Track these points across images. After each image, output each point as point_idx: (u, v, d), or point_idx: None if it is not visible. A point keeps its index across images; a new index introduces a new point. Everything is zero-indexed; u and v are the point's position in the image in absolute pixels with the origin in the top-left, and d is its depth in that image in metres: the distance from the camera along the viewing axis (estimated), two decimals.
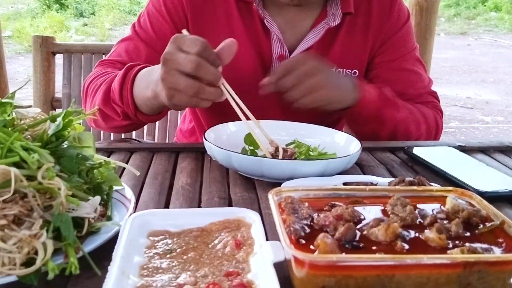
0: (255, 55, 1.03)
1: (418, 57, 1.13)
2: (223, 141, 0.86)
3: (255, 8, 1.00)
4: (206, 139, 0.79)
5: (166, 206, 0.68)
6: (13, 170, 0.48)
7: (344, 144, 0.85)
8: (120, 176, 0.76)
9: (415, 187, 0.53)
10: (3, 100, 0.57)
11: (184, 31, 0.79)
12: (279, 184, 0.69)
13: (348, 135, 0.87)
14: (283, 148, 0.81)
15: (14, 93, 0.61)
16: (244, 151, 0.86)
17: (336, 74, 0.97)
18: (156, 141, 1.66)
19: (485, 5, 18.22)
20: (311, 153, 0.85)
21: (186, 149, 0.92)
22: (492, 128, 4.82)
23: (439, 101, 1.13)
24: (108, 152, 0.89)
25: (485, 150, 0.95)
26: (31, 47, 1.80)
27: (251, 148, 0.87)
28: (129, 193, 0.65)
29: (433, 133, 1.05)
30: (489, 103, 5.77)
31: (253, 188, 0.74)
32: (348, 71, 1.06)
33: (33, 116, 0.61)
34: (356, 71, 1.07)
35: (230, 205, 0.69)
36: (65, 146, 0.59)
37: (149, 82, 0.81)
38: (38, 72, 1.78)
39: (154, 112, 0.89)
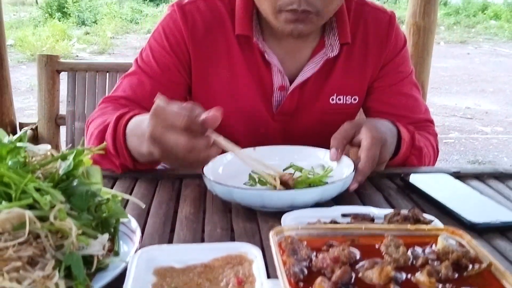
0: (256, 87, 1.06)
1: (415, 82, 1.17)
2: (219, 173, 0.88)
3: (255, 42, 1.03)
4: (204, 174, 0.82)
5: (171, 237, 0.71)
6: (28, 213, 0.51)
7: (338, 164, 0.90)
8: (125, 205, 0.79)
9: (408, 226, 0.56)
10: (18, 145, 0.59)
11: (159, 96, 0.74)
12: (280, 213, 0.73)
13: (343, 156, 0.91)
14: (281, 177, 0.83)
15: (25, 133, 0.64)
16: (251, 180, 0.89)
17: (389, 139, 0.95)
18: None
19: (485, 13, 18.33)
20: (309, 176, 0.88)
21: (189, 176, 0.94)
22: (492, 139, 4.85)
23: (434, 126, 1.18)
24: (113, 179, 0.92)
25: (480, 177, 0.98)
26: (36, 65, 1.83)
27: (257, 175, 0.89)
28: (135, 225, 0.68)
29: (435, 159, 1.10)
30: (488, 113, 5.81)
31: (254, 218, 0.77)
32: (348, 98, 1.10)
33: (43, 153, 0.64)
34: (356, 97, 1.11)
35: (232, 235, 0.71)
36: (75, 183, 0.62)
37: (141, 138, 0.79)
38: (43, 90, 1.82)
39: (155, 162, 0.92)
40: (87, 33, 12.46)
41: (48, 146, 0.65)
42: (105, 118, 0.94)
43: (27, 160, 0.62)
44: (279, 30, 0.99)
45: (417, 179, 0.90)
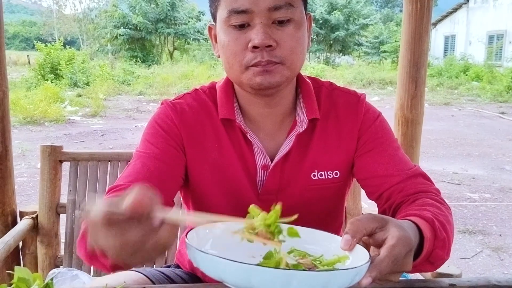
0: (241, 167, 1.12)
1: (399, 146, 1.17)
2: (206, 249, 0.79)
3: (238, 124, 1.10)
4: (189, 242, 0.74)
5: None
6: None
7: (351, 255, 0.78)
8: None
9: None
10: None
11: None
12: None
13: (364, 250, 0.78)
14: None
15: (52, 279, 0.68)
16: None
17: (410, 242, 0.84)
18: (154, 266, 1.62)
19: (466, 75, 18.98)
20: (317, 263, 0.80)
21: None
22: (480, 206, 4.92)
23: (431, 183, 1.13)
24: None
25: None
26: (40, 155, 1.88)
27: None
28: None
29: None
30: (475, 179, 5.91)
31: None
32: (330, 173, 1.14)
33: None
34: (338, 172, 1.14)
35: None
36: None
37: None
38: (45, 180, 1.85)
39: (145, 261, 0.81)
40: (80, 95, 12.62)
41: None
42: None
43: None
44: (250, 88, 1.05)
45: None
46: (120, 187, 1.04)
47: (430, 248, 0.91)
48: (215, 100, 1.15)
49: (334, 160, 1.14)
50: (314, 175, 1.13)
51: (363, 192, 1.25)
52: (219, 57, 1.12)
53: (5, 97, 1.89)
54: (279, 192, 1.13)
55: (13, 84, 13.57)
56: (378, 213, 1.17)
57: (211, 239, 0.83)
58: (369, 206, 1.97)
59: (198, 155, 1.13)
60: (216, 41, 1.11)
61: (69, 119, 9.94)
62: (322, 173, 1.14)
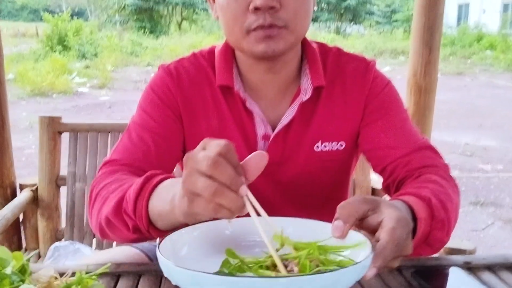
0: (241, 137, 1.06)
1: (408, 117, 1.10)
2: (181, 257, 0.71)
3: (237, 92, 1.03)
4: (161, 254, 0.66)
5: None
6: None
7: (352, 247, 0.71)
8: None
9: None
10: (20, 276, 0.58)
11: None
12: None
13: (356, 233, 0.71)
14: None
15: (28, 262, 0.62)
16: (225, 265, 0.70)
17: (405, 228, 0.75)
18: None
19: (480, 44, 18.60)
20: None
21: None
22: (493, 177, 4.84)
23: (440, 157, 1.05)
24: (116, 276, 0.90)
25: (491, 267, 0.96)
26: (38, 127, 1.83)
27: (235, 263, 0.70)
28: None
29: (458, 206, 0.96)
30: (487, 150, 5.82)
31: None
32: (334, 144, 1.07)
33: (46, 279, 0.62)
34: (343, 143, 1.07)
35: None
36: None
37: (171, 194, 0.74)
38: (44, 152, 1.81)
39: (169, 228, 0.81)
40: (87, 67, 12.58)
41: (52, 271, 0.64)
42: (122, 184, 0.90)
43: None
44: (253, 55, 0.99)
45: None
46: (117, 162, 0.99)
47: (427, 229, 0.83)
48: (214, 65, 1.08)
49: (339, 130, 1.07)
50: (317, 147, 1.07)
51: None
52: (217, 19, 1.04)
53: (0, 67, 1.83)
54: (281, 164, 1.07)
55: (21, 56, 13.55)
56: (382, 188, 1.11)
57: (187, 244, 0.76)
58: (379, 179, 1.90)
59: (195, 124, 1.07)
60: (213, 1, 1.03)
61: (77, 91, 9.92)
62: (326, 144, 1.07)
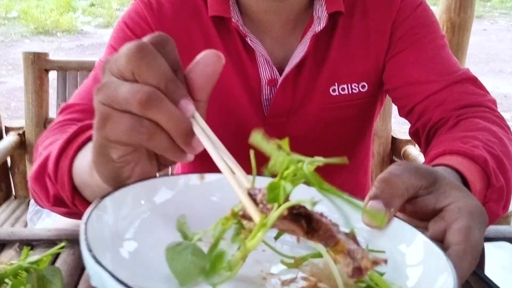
0: (241, 83, 0.86)
1: (444, 43, 0.88)
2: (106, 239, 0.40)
3: (234, 25, 0.83)
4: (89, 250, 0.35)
5: None
6: None
7: (417, 257, 0.42)
8: None
9: None
10: None
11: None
12: None
13: (425, 240, 0.42)
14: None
15: None
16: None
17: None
18: None
19: None
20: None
21: None
22: None
23: (488, 94, 0.85)
24: None
25: None
26: (22, 63, 1.65)
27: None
28: None
29: None
30: (507, 97, 5.60)
31: None
32: (354, 85, 0.88)
33: None
34: (365, 83, 0.88)
35: None
36: None
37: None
38: (30, 92, 1.64)
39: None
40: (92, 5, 12.19)
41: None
42: (61, 137, 0.66)
43: None
44: None
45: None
46: (76, 107, 0.78)
47: (481, 202, 0.59)
48: None
49: (361, 68, 0.87)
50: (334, 90, 0.87)
51: (395, 108, 0.97)
52: None
53: None
54: (290, 114, 0.88)
55: None
56: (409, 133, 0.90)
57: (138, 219, 0.44)
58: (399, 128, 1.72)
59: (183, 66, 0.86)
60: None
61: (82, 29, 9.64)
62: (345, 86, 0.87)
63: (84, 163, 0.53)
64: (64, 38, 8.98)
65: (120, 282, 0.31)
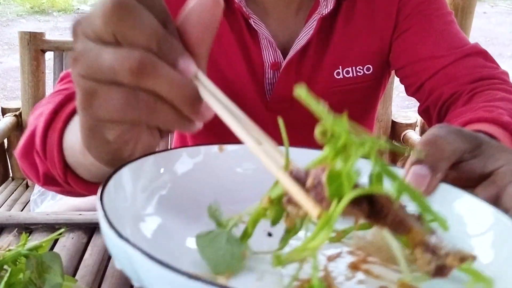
0: (245, 64, 0.84)
1: (452, 20, 0.86)
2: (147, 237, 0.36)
3: (237, 5, 0.80)
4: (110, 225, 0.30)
5: None
6: None
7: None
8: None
9: None
10: None
11: None
12: None
13: (487, 207, 0.38)
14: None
15: None
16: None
17: None
18: None
19: None
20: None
21: None
22: None
23: (495, 63, 0.83)
24: (91, 228, 0.74)
25: None
26: (18, 43, 1.62)
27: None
28: None
29: None
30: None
31: None
32: (359, 68, 0.86)
33: None
34: (370, 66, 0.87)
35: None
36: None
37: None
38: (26, 72, 1.62)
39: (97, 180, 0.52)
40: None
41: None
42: (48, 107, 0.59)
43: None
44: None
45: None
46: (68, 91, 0.73)
47: None
48: None
49: (365, 50, 0.86)
50: (338, 73, 0.86)
51: (394, 93, 0.95)
52: None
53: None
54: (293, 99, 0.86)
55: None
56: (419, 112, 0.88)
57: (158, 193, 0.40)
58: (399, 113, 1.70)
59: None
60: None
61: (78, 9, 9.52)
62: (349, 69, 0.86)
63: (75, 139, 0.45)
64: (60, 18, 8.86)
65: (155, 260, 0.26)
